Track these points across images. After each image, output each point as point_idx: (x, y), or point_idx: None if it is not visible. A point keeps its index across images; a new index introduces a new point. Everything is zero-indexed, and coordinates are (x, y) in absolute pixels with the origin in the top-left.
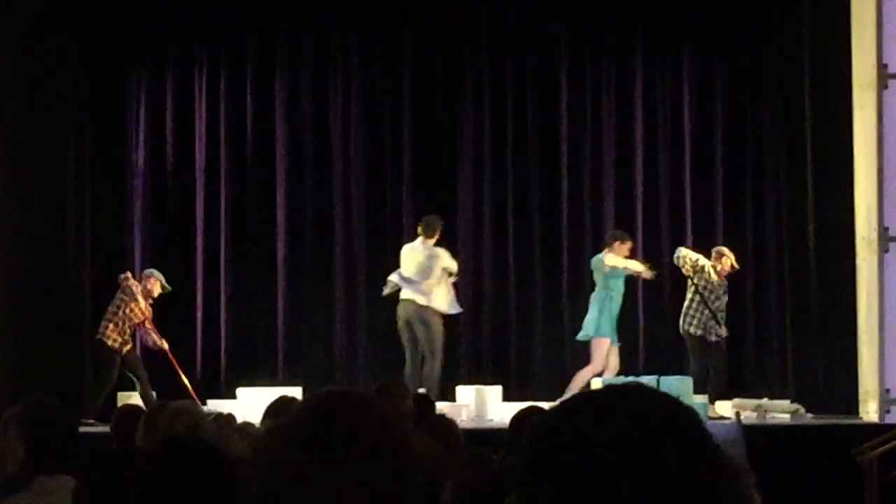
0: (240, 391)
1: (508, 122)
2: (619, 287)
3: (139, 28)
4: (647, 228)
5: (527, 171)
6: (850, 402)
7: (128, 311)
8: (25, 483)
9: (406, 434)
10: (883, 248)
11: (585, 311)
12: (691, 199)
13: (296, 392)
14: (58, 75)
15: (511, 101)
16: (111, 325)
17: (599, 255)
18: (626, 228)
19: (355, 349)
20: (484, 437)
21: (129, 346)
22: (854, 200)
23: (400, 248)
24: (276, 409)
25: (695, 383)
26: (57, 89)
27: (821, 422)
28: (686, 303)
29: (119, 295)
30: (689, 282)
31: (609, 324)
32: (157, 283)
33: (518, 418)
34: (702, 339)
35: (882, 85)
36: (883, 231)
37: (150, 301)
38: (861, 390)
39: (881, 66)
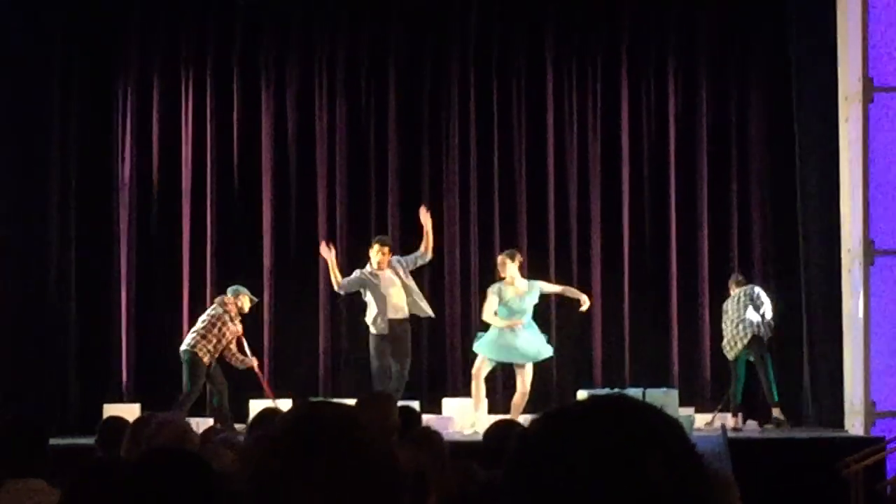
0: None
1: (494, 135)
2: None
3: (126, 41)
4: (632, 243)
5: (513, 182)
6: (836, 414)
7: (225, 330)
8: None
9: (390, 446)
10: (868, 261)
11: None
12: (676, 213)
13: (281, 404)
14: (44, 88)
15: (497, 110)
16: (203, 340)
17: (535, 282)
18: (613, 239)
19: (339, 361)
20: (470, 450)
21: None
22: (840, 213)
23: None
24: (261, 420)
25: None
26: (43, 102)
27: (806, 434)
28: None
29: (216, 312)
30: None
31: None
32: (246, 299)
33: (491, 431)
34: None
35: (868, 98)
36: (868, 244)
37: (240, 318)
38: (847, 403)
39: (867, 80)
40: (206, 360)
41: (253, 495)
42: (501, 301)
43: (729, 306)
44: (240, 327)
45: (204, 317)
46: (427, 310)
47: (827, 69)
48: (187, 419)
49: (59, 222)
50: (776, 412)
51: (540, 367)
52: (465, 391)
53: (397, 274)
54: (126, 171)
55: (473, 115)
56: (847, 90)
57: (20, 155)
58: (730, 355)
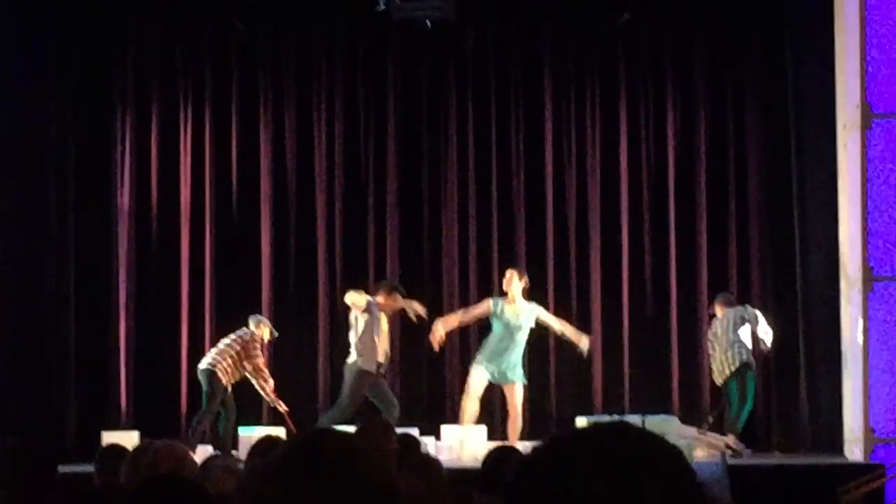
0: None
1: (492, 160)
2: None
3: (123, 66)
4: (631, 270)
5: (511, 208)
6: (836, 441)
7: (243, 355)
8: None
9: (389, 474)
10: (867, 287)
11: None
12: (675, 238)
13: (281, 432)
14: (41, 114)
15: (495, 133)
16: (227, 361)
17: (536, 307)
18: (612, 265)
19: (338, 390)
20: (469, 477)
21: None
22: (838, 239)
23: None
24: (260, 449)
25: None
26: (40, 128)
27: (806, 461)
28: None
29: (243, 336)
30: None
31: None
32: (266, 330)
33: (490, 457)
34: None
35: (866, 124)
36: (867, 270)
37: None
38: (846, 429)
39: (865, 106)
40: (224, 380)
41: None
42: (496, 315)
43: (718, 328)
44: (260, 359)
45: (228, 339)
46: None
47: (825, 95)
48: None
49: (58, 249)
50: (733, 440)
51: (539, 394)
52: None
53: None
54: (124, 198)
55: (472, 139)
56: (845, 117)
57: (17, 182)
58: (719, 380)
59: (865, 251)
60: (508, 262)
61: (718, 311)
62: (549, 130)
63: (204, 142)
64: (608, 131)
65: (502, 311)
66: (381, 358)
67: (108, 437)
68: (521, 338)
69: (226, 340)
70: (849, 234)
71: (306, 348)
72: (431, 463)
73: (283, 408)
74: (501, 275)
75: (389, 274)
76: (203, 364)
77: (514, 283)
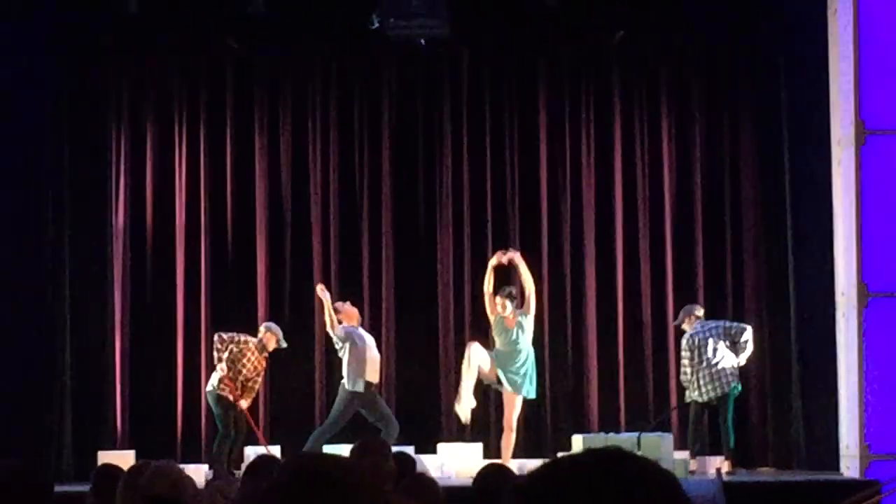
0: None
1: (487, 177)
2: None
3: (119, 91)
4: (626, 288)
5: (506, 227)
6: (831, 457)
7: (240, 366)
8: None
9: (384, 496)
10: (862, 304)
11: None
12: (672, 255)
13: (276, 450)
14: (37, 139)
15: (490, 150)
16: (225, 378)
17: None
18: (607, 285)
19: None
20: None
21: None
22: (833, 256)
23: (377, 307)
24: (255, 468)
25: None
26: (36, 153)
27: (801, 478)
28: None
29: (232, 348)
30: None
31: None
32: (273, 338)
33: (481, 476)
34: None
35: (860, 141)
36: (862, 286)
37: (266, 355)
38: (841, 446)
39: (859, 123)
40: (230, 397)
41: None
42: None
43: (695, 342)
44: (262, 364)
45: (226, 355)
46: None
47: (819, 112)
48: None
49: (54, 270)
50: (727, 464)
51: (535, 412)
52: (459, 436)
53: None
54: (120, 220)
55: (466, 156)
56: (839, 133)
57: (14, 206)
58: (700, 396)
59: (860, 267)
60: (503, 282)
61: (687, 323)
62: (544, 148)
63: (199, 161)
64: (603, 148)
65: (499, 331)
66: (372, 378)
67: (104, 457)
68: (524, 343)
69: (220, 362)
70: (843, 251)
71: (302, 365)
72: (427, 483)
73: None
74: (496, 287)
75: (384, 291)
76: (209, 386)
77: (508, 307)
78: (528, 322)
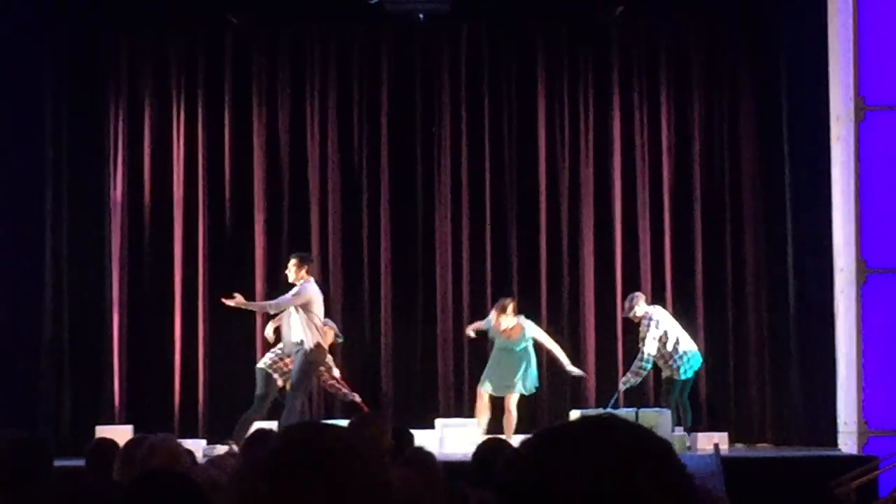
0: None
1: (486, 154)
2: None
3: (116, 63)
4: (624, 264)
5: (503, 208)
6: (829, 433)
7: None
8: None
9: (381, 468)
10: (861, 280)
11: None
12: (670, 231)
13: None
14: (34, 110)
15: (489, 127)
16: (280, 363)
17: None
18: (605, 262)
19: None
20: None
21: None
22: (832, 232)
23: (375, 285)
24: (254, 442)
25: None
26: (33, 124)
27: (799, 453)
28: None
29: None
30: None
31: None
32: (330, 332)
33: (480, 450)
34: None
35: (859, 117)
36: (861, 262)
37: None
38: (839, 422)
39: (858, 99)
40: (280, 382)
41: None
42: (495, 338)
43: (668, 322)
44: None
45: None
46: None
47: (818, 88)
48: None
49: (52, 244)
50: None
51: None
52: (455, 412)
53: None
54: (117, 193)
55: (465, 132)
56: (838, 109)
57: (12, 178)
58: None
59: (859, 243)
60: (500, 258)
61: (641, 311)
62: (543, 124)
63: (197, 135)
64: (602, 125)
65: (497, 336)
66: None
67: (102, 432)
68: (521, 353)
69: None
70: (842, 227)
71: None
72: (425, 456)
73: (356, 399)
74: (494, 270)
75: (382, 266)
76: (261, 363)
77: (502, 319)
78: (529, 323)
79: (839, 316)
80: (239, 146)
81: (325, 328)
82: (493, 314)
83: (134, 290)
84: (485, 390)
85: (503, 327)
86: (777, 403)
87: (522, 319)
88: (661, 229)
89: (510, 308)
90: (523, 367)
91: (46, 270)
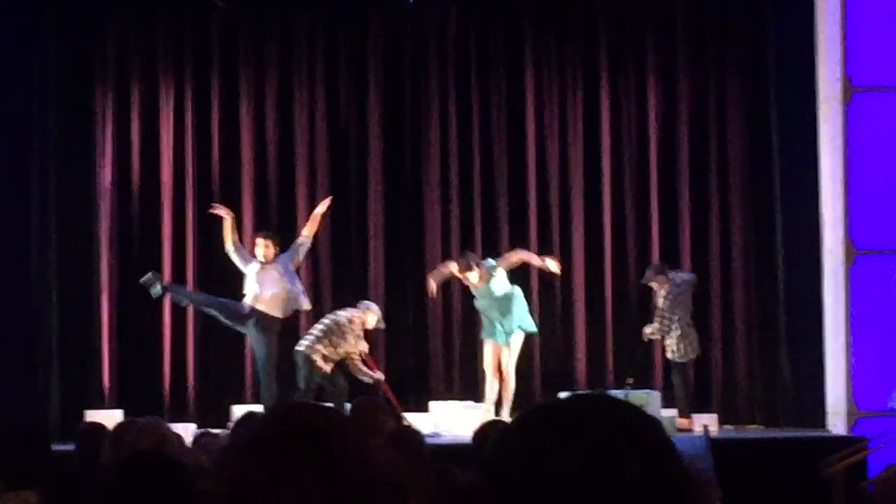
0: None
1: (475, 136)
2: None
3: (104, 48)
4: (614, 245)
5: (493, 185)
6: (818, 414)
7: (341, 341)
8: None
9: (367, 448)
10: (849, 261)
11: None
12: (658, 211)
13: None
14: (22, 95)
15: (478, 109)
16: (318, 344)
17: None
18: (594, 244)
19: None
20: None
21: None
22: (820, 213)
23: (364, 262)
24: (243, 423)
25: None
26: (21, 109)
27: (788, 434)
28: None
29: (339, 321)
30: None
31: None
32: (373, 317)
33: (480, 432)
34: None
35: (846, 98)
36: (849, 243)
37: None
38: (828, 403)
39: (845, 80)
40: (319, 363)
41: (228, 499)
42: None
43: (670, 302)
44: (363, 345)
45: (327, 320)
46: (305, 304)
47: (805, 69)
48: (168, 424)
49: (40, 228)
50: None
51: (524, 373)
52: (448, 394)
53: (281, 274)
54: (106, 177)
55: (454, 115)
56: (826, 90)
57: None
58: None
59: (847, 225)
60: (490, 234)
61: (657, 283)
62: (532, 107)
63: (185, 118)
64: (590, 104)
65: (476, 292)
66: (264, 308)
67: (92, 417)
68: (504, 298)
69: (325, 321)
70: (830, 208)
71: (290, 323)
72: (413, 435)
73: (380, 377)
74: (484, 253)
75: (372, 243)
76: (300, 346)
77: (470, 276)
78: (495, 266)
79: (827, 297)
80: (227, 131)
81: (368, 311)
82: (463, 277)
83: (123, 275)
84: (488, 342)
85: (475, 282)
86: (766, 385)
87: (485, 263)
88: (649, 211)
89: (472, 262)
90: (513, 306)
91: (34, 256)
